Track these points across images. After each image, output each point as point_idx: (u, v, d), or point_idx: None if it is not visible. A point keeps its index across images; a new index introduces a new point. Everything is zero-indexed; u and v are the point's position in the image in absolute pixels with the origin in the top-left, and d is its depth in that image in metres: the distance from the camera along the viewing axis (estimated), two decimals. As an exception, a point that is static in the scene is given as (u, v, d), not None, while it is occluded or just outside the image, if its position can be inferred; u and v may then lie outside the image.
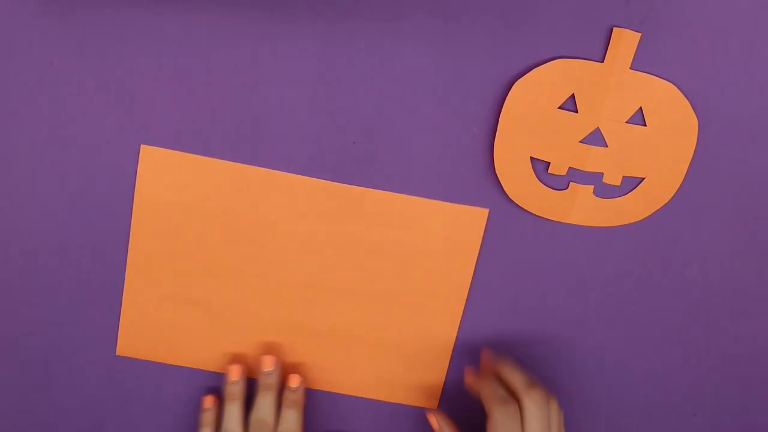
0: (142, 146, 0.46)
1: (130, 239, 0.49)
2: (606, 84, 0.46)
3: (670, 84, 0.46)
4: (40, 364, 0.53)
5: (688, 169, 0.49)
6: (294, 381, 0.51)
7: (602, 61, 0.46)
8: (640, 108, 0.47)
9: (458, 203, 0.49)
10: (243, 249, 0.49)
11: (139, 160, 0.47)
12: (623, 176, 0.49)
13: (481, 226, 0.49)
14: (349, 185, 0.48)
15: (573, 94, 0.46)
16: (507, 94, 0.46)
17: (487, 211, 0.49)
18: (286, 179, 0.47)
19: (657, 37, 0.45)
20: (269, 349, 0.52)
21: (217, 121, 0.47)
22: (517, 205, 0.49)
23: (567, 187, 0.49)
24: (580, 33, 0.45)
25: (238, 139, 0.48)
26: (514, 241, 0.51)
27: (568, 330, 0.53)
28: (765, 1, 0.45)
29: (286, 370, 0.52)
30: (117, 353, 0.51)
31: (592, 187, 0.49)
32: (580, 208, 0.49)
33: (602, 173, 0.48)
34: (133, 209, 0.48)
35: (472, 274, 0.50)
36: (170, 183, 0.47)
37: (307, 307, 0.51)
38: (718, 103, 0.47)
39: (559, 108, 0.47)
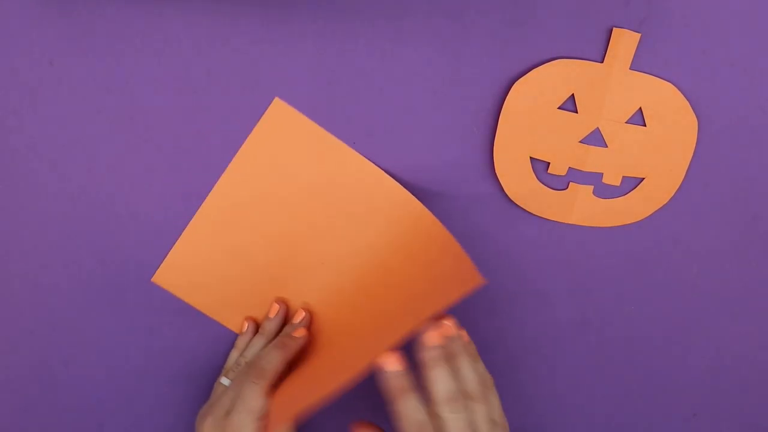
0: (276, 99, 0.47)
1: (220, 180, 0.48)
2: (606, 84, 0.46)
3: (670, 84, 0.46)
4: (40, 364, 0.53)
5: (687, 169, 0.49)
6: (299, 332, 0.50)
7: (602, 62, 0.46)
8: (640, 108, 0.47)
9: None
10: (317, 231, 0.49)
11: (268, 110, 0.47)
12: (623, 176, 0.49)
13: (466, 290, 0.43)
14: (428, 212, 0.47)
15: (573, 94, 0.46)
16: (507, 94, 0.46)
17: (483, 283, 0.43)
18: (384, 181, 0.48)
19: (657, 37, 0.45)
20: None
21: (216, 120, 0.47)
22: (517, 205, 0.49)
23: (567, 188, 0.49)
24: (580, 33, 0.45)
25: (237, 139, 0.48)
26: (514, 241, 0.51)
27: (568, 330, 0.53)
28: (765, 1, 0.45)
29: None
30: (152, 280, 0.51)
31: (592, 187, 0.49)
32: (580, 208, 0.49)
33: (602, 173, 0.48)
34: (238, 154, 0.48)
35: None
36: (283, 142, 0.48)
37: (351, 306, 0.50)
38: (718, 103, 0.47)
39: (559, 108, 0.47)
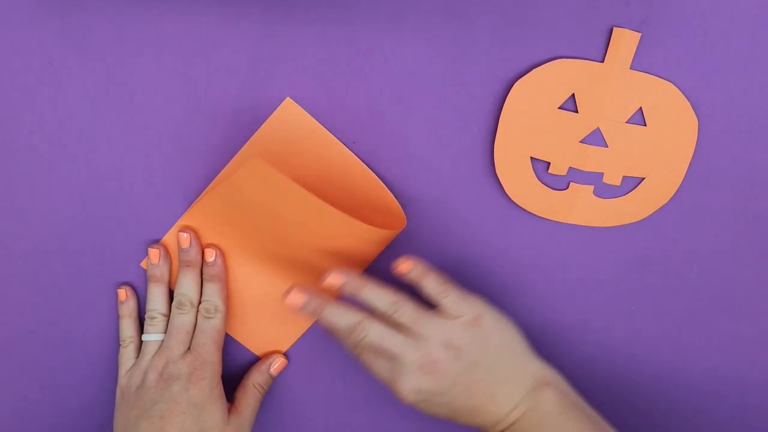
0: (287, 98, 0.47)
1: (220, 175, 0.48)
2: (606, 84, 0.46)
3: (670, 84, 0.46)
4: (40, 363, 0.53)
5: (687, 170, 0.49)
6: (209, 255, 0.50)
7: (602, 61, 0.46)
8: (640, 108, 0.47)
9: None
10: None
11: (278, 108, 0.47)
12: (623, 176, 0.49)
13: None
14: None
15: (573, 94, 0.46)
16: (507, 94, 0.46)
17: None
18: (380, 187, 0.48)
19: (657, 37, 0.45)
20: None
21: (216, 121, 0.47)
22: (517, 205, 0.49)
23: (567, 188, 0.49)
24: (580, 33, 0.45)
25: (237, 139, 0.48)
26: (514, 241, 0.51)
27: (568, 330, 0.53)
28: (765, 1, 0.45)
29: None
30: (141, 264, 0.50)
31: (592, 187, 0.49)
32: (580, 208, 0.49)
33: (602, 173, 0.48)
34: (242, 149, 0.48)
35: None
36: (288, 142, 0.48)
37: None
38: (718, 103, 0.47)
39: (559, 108, 0.47)
